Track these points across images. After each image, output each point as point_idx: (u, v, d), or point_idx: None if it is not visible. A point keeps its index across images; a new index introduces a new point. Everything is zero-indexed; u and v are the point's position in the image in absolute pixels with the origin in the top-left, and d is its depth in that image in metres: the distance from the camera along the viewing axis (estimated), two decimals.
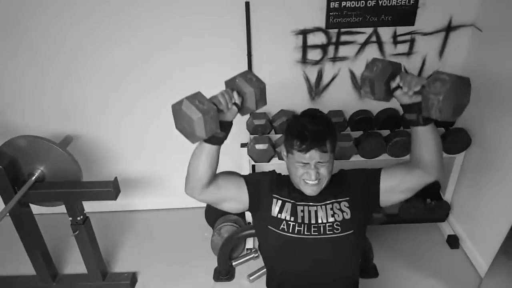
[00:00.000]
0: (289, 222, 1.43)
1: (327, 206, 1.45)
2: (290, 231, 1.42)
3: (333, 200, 1.46)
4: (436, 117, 1.17)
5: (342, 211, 1.44)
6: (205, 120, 1.17)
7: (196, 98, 1.20)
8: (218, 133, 1.27)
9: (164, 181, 2.94)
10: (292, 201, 1.46)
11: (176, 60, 2.47)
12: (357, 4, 2.29)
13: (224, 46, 2.42)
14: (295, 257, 1.45)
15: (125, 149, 2.83)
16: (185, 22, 2.35)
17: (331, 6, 2.29)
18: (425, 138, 1.29)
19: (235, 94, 1.27)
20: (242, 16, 2.31)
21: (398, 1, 2.28)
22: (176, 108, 1.21)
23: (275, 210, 1.45)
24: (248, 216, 2.68)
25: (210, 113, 1.18)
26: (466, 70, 2.46)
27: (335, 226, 1.42)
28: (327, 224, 1.42)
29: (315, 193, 1.43)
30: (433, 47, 2.44)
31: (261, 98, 1.32)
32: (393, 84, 1.24)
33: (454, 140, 2.36)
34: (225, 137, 1.32)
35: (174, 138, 2.54)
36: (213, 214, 2.73)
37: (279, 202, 1.46)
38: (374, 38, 2.40)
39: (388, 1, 2.28)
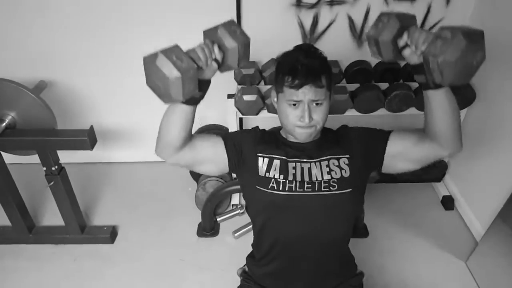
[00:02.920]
0: (279, 180, 1.28)
1: (322, 162, 1.30)
2: (280, 188, 1.27)
3: (331, 156, 1.31)
4: (439, 81, 0.99)
5: (341, 168, 1.29)
6: (183, 80, 1.00)
7: (173, 52, 1.02)
8: (195, 93, 1.11)
9: (146, 132, 2.78)
10: (281, 157, 1.31)
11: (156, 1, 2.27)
12: None
13: None
14: (286, 217, 1.31)
15: (103, 97, 2.67)
16: None
17: None
18: (437, 105, 1.12)
19: (215, 48, 1.10)
20: None
21: None
22: (149, 62, 1.02)
23: (262, 169, 1.30)
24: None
25: (189, 72, 1.02)
26: (474, 21, 2.26)
27: (331, 183, 1.27)
28: (322, 182, 1.28)
29: (308, 138, 1.29)
30: None
31: (245, 55, 1.15)
32: (401, 43, 1.05)
33: (456, 94, 2.18)
34: (202, 97, 1.18)
35: None
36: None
37: (266, 160, 1.31)
38: None
39: None
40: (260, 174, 1.30)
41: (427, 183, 2.66)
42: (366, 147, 1.31)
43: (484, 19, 2.19)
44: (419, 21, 2.32)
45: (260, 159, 1.32)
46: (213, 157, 1.31)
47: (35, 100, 2.02)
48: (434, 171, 2.51)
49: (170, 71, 0.99)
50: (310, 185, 1.28)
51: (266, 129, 1.46)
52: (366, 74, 2.29)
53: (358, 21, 2.32)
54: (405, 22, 1.05)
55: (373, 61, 2.35)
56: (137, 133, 2.83)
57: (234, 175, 2.55)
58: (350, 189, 1.28)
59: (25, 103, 2.02)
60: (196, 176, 2.63)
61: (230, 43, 1.10)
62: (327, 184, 1.27)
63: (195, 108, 1.18)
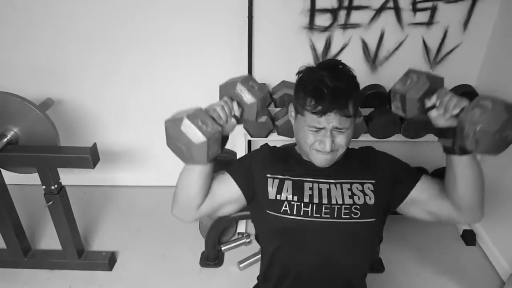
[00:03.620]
0: (292, 203, 1.16)
1: (344, 185, 1.19)
2: (295, 213, 1.15)
3: (354, 180, 1.20)
4: (471, 148, 0.95)
5: (365, 194, 1.17)
6: (208, 145, 1.00)
7: (197, 117, 1.01)
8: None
9: (151, 155, 2.74)
10: (294, 178, 1.20)
11: (168, 19, 2.26)
12: None
13: (221, 7, 2.19)
14: (298, 246, 1.17)
15: (110, 117, 2.62)
16: None
17: None
18: (461, 171, 1.04)
19: (235, 106, 1.07)
20: None
21: None
22: (172, 126, 1.02)
23: (272, 191, 1.19)
24: None
25: (214, 136, 1.01)
26: (492, 46, 2.19)
27: (353, 210, 1.15)
28: (343, 206, 1.15)
29: (326, 164, 1.17)
30: (456, 17, 2.17)
31: (262, 109, 1.14)
32: (428, 103, 1.02)
33: None
34: (221, 152, 1.11)
35: (163, 107, 2.35)
36: None
37: (276, 181, 1.20)
38: (391, 4, 2.15)
39: None
40: (270, 197, 1.19)
41: None
42: (394, 180, 1.19)
43: (503, 45, 2.12)
44: (435, 46, 2.26)
45: (270, 181, 1.21)
46: (229, 198, 1.21)
47: (39, 116, 1.97)
48: None
49: (196, 136, 0.99)
50: (328, 210, 1.15)
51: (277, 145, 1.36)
52: (381, 98, 2.20)
53: (372, 45, 2.26)
54: (434, 83, 1.03)
55: (388, 85, 2.28)
56: (143, 155, 2.77)
57: None
58: (374, 219, 1.16)
59: (29, 118, 1.97)
60: None
61: (249, 99, 1.09)
62: (348, 211, 1.15)
63: (211, 167, 1.12)
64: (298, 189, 1.18)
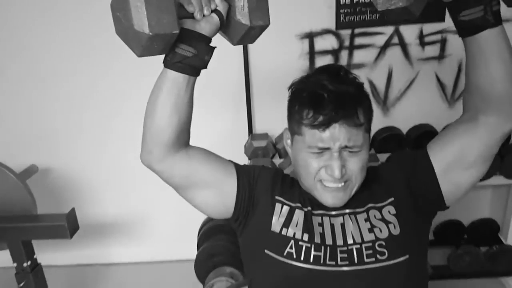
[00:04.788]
0: (301, 243, 0.87)
1: (359, 215, 0.91)
2: (303, 259, 0.86)
3: (370, 205, 0.91)
4: None
5: (387, 222, 0.88)
6: (147, 2, 0.70)
7: None
8: (186, 49, 0.78)
9: (146, 226, 2.45)
10: (304, 208, 0.92)
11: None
12: None
13: (217, 57, 2.05)
14: None
15: (100, 185, 2.38)
16: None
17: (341, 2, 1.92)
18: (495, 49, 0.76)
19: None
20: None
21: None
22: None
23: (278, 222, 0.90)
24: None
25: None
26: None
27: (378, 249, 0.85)
28: (363, 246, 0.86)
29: (340, 202, 0.90)
30: None
31: (259, 7, 0.83)
32: None
33: None
34: (201, 61, 0.81)
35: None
36: (205, 267, 2.17)
37: (286, 208, 0.92)
38: (396, 40, 1.99)
39: None
40: (273, 229, 0.90)
41: (495, 278, 2.09)
42: (408, 179, 0.92)
43: None
44: (451, 81, 2.05)
45: (278, 206, 0.92)
46: (217, 183, 0.93)
47: (15, 183, 1.77)
48: (502, 261, 1.96)
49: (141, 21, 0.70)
50: (345, 255, 0.86)
51: None
52: (398, 140, 1.95)
53: (381, 85, 2.07)
54: None
55: (403, 127, 2.04)
56: (138, 227, 2.48)
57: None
58: (407, 256, 0.85)
59: (5, 186, 1.76)
60: (202, 275, 2.17)
61: None
62: (371, 251, 0.85)
63: (191, 81, 0.82)
64: (308, 225, 0.89)
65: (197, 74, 0.83)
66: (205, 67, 0.83)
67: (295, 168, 0.94)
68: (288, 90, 0.94)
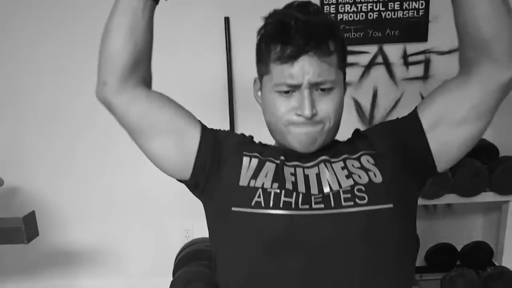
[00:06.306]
0: (269, 190, 0.79)
1: (335, 164, 0.83)
2: (272, 205, 0.77)
3: (346, 156, 0.85)
4: None
5: (366, 170, 0.81)
6: None
7: None
8: None
9: (117, 257, 2.25)
10: (276, 160, 0.84)
11: None
12: (356, 16, 1.95)
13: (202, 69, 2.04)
14: (275, 267, 0.75)
15: (70, 210, 2.21)
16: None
17: None
18: None
19: None
20: (221, 34, 1.96)
21: (404, 13, 1.93)
22: None
23: (245, 175, 0.82)
24: None
25: None
26: None
27: (357, 193, 0.77)
28: (341, 190, 0.78)
29: (310, 143, 0.83)
30: (454, 68, 1.99)
31: None
32: None
33: (506, 172, 1.72)
34: None
35: (133, 197, 1.96)
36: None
37: (254, 161, 0.84)
38: (380, 59, 2.00)
39: (392, 12, 1.94)
40: (241, 183, 0.81)
41: None
42: (397, 135, 0.85)
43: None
44: None
45: (246, 159, 0.85)
46: (177, 131, 0.86)
47: None
48: (499, 283, 1.82)
49: None
50: (320, 199, 0.77)
51: None
52: None
53: (366, 104, 2.05)
54: None
55: None
56: (111, 256, 2.28)
57: None
58: (391, 205, 0.76)
59: None
60: None
61: None
62: (349, 195, 0.76)
63: (148, 4, 0.81)
64: (278, 175, 0.81)
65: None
66: None
67: (266, 118, 0.88)
68: (257, 36, 0.89)
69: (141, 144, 0.88)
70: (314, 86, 0.79)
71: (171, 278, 1.96)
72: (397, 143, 0.84)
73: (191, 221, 2.10)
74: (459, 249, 1.94)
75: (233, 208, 0.79)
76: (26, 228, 1.46)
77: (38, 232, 1.53)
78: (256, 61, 0.88)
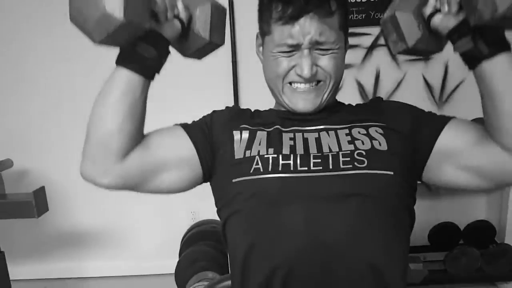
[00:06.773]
0: (266, 156, 0.79)
1: (340, 131, 0.83)
2: (270, 169, 0.78)
3: (353, 124, 0.84)
4: (489, 16, 0.65)
5: (372, 138, 0.80)
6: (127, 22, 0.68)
7: None
8: (146, 49, 0.75)
9: (124, 238, 2.30)
10: (267, 128, 0.85)
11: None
12: None
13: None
14: (278, 220, 0.76)
15: (76, 191, 2.23)
16: None
17: None
18: (497, 81, 0.70)
19: (179, 4, 0.80)
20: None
21: None
22: None
23: (239, 148, 0.83)
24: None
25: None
26: None
27: (356, 157, 0.77)
28: (340, 153, 0.78)
29: (309, 105, 0.83)
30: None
31: (217, 26, 0.85)
32: (428, 10, 0.75)
33: None
34: (159, 65, 0.78)
35: None
36: (185, 275, 2.00)
37: (245, 133, 0.85)
38: (382, 41, 2.01)
39: None
40: (237, 156, 0.82)
41: (492, 284, 1.96)
42: (413, 128, 0.82)
43: None
44: (437, 84, 2.06)
45: (237, 134, 0.85)
46: (176, 156, 0.84)
47: None
48: (501, 263, 1.84)
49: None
50: (319, 160, 0.78)
51: None
52: None
53: (369, 86, 2.07)
54: None
55: None
56: (118, 237, 2.33)
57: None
58: (391, 173, 0.76)
59: None
60: (183, 282, 2.01)
61: (200, 2, 0.81)
62: (348, 159, 0.77)
63: (146, 84, 0.78)
64: (274, 140, 0.82)
65: (153, 77, 0.79)
66: (159, 72, 0.80)
67: (265, 75, 0.88)
68: None
69: (148, 189, 0.86)
70: (314, 46, 0.79)
71: (177, 259, 2.00)
72: (411, 131, 0.82)
73: (197, 203, 2.13)
74: (462, 228, 1.95)
75: (233, 180, 0.80)
76: (36, 203, 1.51)
77: (47, 207, 1.58)
78: (258, 19, 0.89)
